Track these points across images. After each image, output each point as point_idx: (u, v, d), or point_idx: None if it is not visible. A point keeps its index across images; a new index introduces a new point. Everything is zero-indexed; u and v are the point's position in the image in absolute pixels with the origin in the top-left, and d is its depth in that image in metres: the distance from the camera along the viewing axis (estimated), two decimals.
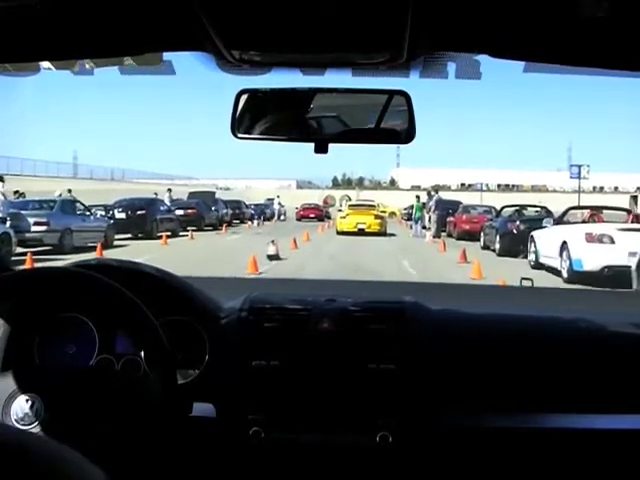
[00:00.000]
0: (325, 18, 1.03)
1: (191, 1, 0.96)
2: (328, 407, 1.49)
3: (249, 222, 30.11)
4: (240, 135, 1.35)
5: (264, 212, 36.34)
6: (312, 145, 1.35)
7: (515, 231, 14.86)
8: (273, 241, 13.30)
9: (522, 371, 1.54)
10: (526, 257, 13.34)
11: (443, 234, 21.08)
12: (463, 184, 71.44)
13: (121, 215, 19.15)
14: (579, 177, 37.36)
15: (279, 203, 38.80)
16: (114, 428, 1.16)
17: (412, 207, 26.52)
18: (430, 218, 22.27)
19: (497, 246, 15.35)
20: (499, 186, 72.41)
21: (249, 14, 1.02)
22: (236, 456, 1.50)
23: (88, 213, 16.43)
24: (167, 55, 1.29)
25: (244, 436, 1.47)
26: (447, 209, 22.20)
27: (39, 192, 19.07)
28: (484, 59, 1.22)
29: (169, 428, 1.22)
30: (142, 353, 1.32)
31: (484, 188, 54.32)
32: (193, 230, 21.13)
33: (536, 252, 12.72)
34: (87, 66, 1.32)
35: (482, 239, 17.24)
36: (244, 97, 1.33)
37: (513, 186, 75.04)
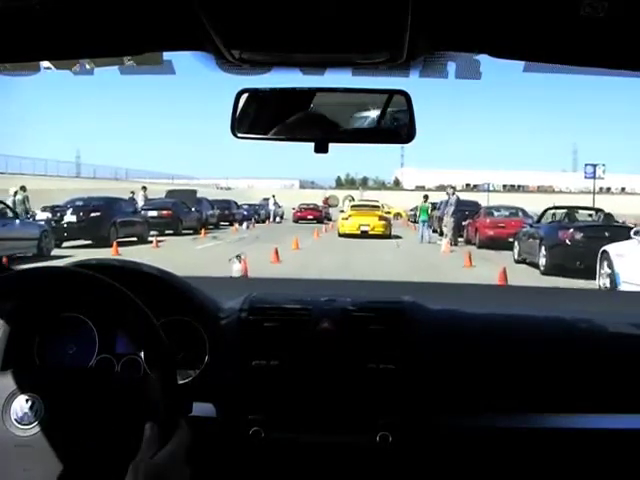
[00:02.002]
0: (325, 18, 1.03)
1: (191, 1, 0.96)
2: (328, 407, 1.49)
3: (236, 225, 26.40)
4: (240, 135, 1.35)
5: (258, 213, 33.61)
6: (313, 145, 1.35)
7: (569, 242, 11.67)
8: (239, 256, 9.37)
9: (522, 371, 1.53)
10: (586, 278, 10.14)
11: (460, 240, 18.50)
12: (468, 184, 71.45)
13: (72, 218, 16.01)
14: (594, 177, 36.19)
15: (275, 203, 36.00)
16: (114, 428, 1.16)
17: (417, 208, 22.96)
18: (444, 221, 18.92)
19: (542, 261, 12.04)
20: (504, 186, 72.44)
21: (249, 14, 1.02)
22: (236, 456, 1.50)
23: (13, 217, 13.85)
24: (167, 55, 1.29)
25: (244, 436, 1.47)
26: (464, 211, 19.02)
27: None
28: (484, 59, 1.22)
29: (169, 428, 1.22)
30: (142, 353, 1.33)
31: (489, 189, 54.16)
32: (169, 234, 18.77)
33: (612, 275, 9.40)
34: (87, 66, 1.33)
35: (516, 250, 13.85)
36: (244, 97, 1.33)
37: (519, 186, 75.04)
